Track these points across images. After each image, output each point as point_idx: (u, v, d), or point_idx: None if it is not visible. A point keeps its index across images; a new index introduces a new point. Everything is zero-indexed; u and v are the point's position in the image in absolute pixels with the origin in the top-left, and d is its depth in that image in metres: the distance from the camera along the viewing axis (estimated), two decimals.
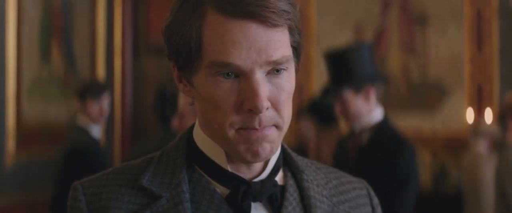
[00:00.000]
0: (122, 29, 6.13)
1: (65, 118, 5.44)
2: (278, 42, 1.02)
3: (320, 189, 1.16)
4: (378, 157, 2.74)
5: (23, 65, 4.94)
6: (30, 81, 5.05)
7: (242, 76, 1.01)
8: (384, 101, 5.62)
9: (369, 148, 2.81)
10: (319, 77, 5.36)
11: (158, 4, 6.31)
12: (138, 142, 5.53)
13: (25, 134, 4.95)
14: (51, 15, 5.35)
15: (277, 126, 1.05)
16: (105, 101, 4.05)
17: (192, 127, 1.16)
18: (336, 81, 2.89)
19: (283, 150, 1.17)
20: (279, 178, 1.14)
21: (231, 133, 1.03)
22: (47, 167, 4.92)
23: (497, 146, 4.77)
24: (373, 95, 2.85)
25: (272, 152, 1.05)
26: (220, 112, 1.03)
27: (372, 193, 1.25)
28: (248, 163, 1.08)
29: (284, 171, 1.16)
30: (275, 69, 1.02)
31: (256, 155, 1.04)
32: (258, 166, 1.11)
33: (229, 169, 1.09)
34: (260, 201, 1.10)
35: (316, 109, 4.07)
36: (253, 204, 1.09)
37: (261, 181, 1.10)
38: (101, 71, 5.94)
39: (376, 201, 1.24)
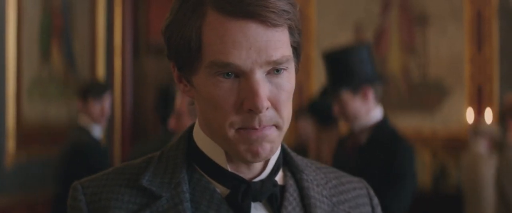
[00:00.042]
0: (122, 29, 6.13)
1: (65, 118, 5.44)
2: (278, 42, 1.02)
3: (320, 189, 1.16)
4: (376, 157, 2.74)
5: (23, 65, 4.94)
6: (30, 81, 5.05)
7: (242, 76, 1.01)
8: (384, 101, 5.62)
9: (368, 148, 2.81)
10: (319, 77, 5.36)
11: (158, 4, 6.31)
12: (138, 142, 5.53)
13: (25, 134, 4.95)
14: (51, 15, 5.35)
15: (277, 126, 1.05)
16: (106, 101, 4.05)
17: (192, 127, 1.17)
18: (333, 81, 2.88)
19: (283, 150, 1.17)
20: (279, 178, 1.14)
21: (231, 133, 1.03)
22: (47, 167, 4.92)
23: (497, 146, 4.77)
24: (371, 95, 2.84)
25: (272, 152, 1.05)
26: (220, 112, 1.03)
27: (372, 193, 1.25)
28: (248, 163, 1.09)
29: (284, 171, 1.16)
30: (275, 69, 1.02)
31: (256, 155, 1.04)
32: (258, 166, 1.11)
33: (229, 169, 1.09)
34: (260, 201, 1.10)
35: (316, 109, 4.07)
36: (253, 204, 1.09)
37: (261, 181, 1.10)
38: (101, 71, 5.94)
39: (376, 201, 1.24)
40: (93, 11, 5.86)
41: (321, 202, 1.14)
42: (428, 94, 5.58)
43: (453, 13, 5.47)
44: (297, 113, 4.60)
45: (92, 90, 4.04)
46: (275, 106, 1.03)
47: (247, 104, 1.00)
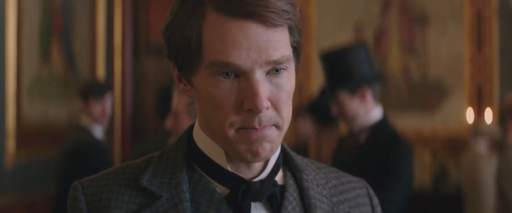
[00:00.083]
0: (122, 29, 6.13)
1: (65, 118, 5.45)
2: (278, 42, 1.02)
3: (320, 188, 1.16)
4: (375, 156, 2.73)
5: (23, 65, 4.94)
6: (30, 81, 5.05)
7: (242, 76, 1.01)
8: (384, 101, 5.61)
9: (366, 148, 2.81)
10: (319, 77, 5.35)
11: (158, 4, 6.31)
12: (138, 142, 5.53)
13: (25, 134, 4.95)
14: (51, 15, 5.35)
15: (277, 126, 1.05)
16: (107, 101, 4.05)
17: (192, 127, 1.17)
18: (331, 82, 2.88)
19: (283, 150, 1.17)
20: (279, 178, 1.14)
21: (231, 133, 1.03)
22: (47, 167, 4.92)
23: (497, 146, 4.78)
24: (369, 96, 2.83)
25: (272, 152, 1.05)
26: (220, 112, 1.03)
27: (372, 192, 1.25)
28: (248, 163, 1.09)
29: (284, 171, 1.16)
30: (275, 69, 1.03)
31: (256, 155, 1.04)
32: (258, 166, 1.11)
33: (229, 169, 1.09)
34: (260, 201, 1.10)
35: (316, 109, 4.07)
36: (253, 204, 1.09)
37: (261, 181, 1.10)
38: (101, 71, 5.94)
39: (376, 201, 1.24)
40: (93, 11, 5.86)
41: (321, 202, 1.14)
42: (428, 94, 5.58)
43: (453, 13, 5.48)
44: (296, 113, 4.60)
45: (93, 90, 4.04)
46: (275, 106, 1.03)
47: (247, 104, 1.00)
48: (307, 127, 4.49)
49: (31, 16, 5.07)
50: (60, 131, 5.27)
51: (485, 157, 4.72)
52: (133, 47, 6.30)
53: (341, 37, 5.68)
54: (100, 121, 4.01)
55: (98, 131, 4.03)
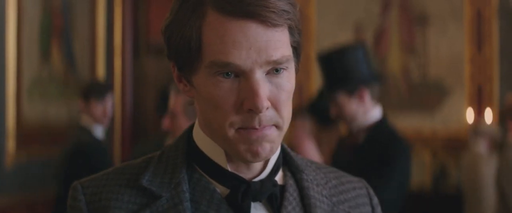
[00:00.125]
0: (122, 29, 6.13)
1: (65, 118, 5.45)
2: (278, 42, 1.02)
3: (320, 188, 1.16)
4: (373, 156, 2.72)
5: (23, 65, 4.94)
6: (30, 81, 5.05)
7: (242, 76, 1.01)
8: (384, 101, 5.61)
9: (365, 147, 2.80)
10: (319, 77, 5.36)
11: (158, 4, 6.31)
12: (139, 142, 5.53)
13: (25, 134, 4.95)
14: (51, 15, 5.35)
15: (277, 126, 1.05)
16: (108, 101, 4.06)
17: (192, 127, 1.16)
18: (329, 84, 2.87)
19: (282, 149, 1.17)
20: (279, 177, 1.14)
21: (231, 133, 1.03)
22: (47, 167, 4.92)
23: (497, 146, 4.78)
24: (367, 96, 2.82)
25: (272, 152, 1.05)
26: (220, 112, 1.03)
27: (372, 192, 1.25)
28: (248, 163, 1.09)
29: (283, 171, 1.16)
30: (274, 69, 1.02)
31: (256, 155, 1.04)
32: (257, 166, 1.11)
33: (229, 169, 1.09)
34: (260, 201, 1.10)
35: (316, 109, 4.07)
36: (252, 204, 1.09)
37: (261, 180, 1.10)
38: (101, 71, 5.94)
39: (375, 200, 1.24)
40: (93, 11, 5.86)
41: (321, 202, 1.14)
42: (428, 94, 5.58)
43: (453, 13, 5.48)
44: (295, 113, 4.58)
45: (94, 90, 4.04)
46: (275, 106, 1.03)
47: (247, 104, 1.00)
48: (305, 127, 4.49)
49: (31, 16, 5.07)
50: (60, 131, 5.27)
51: (485, 157, 4.72)
52: (133, 47, 6.30)
53: (341, 37, 5.68)
54: (101, 121, 4.02)
55: (99, 131, 4.03)
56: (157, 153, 1.16)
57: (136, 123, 6.33)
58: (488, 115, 5.13)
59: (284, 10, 1.02)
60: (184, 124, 2.47)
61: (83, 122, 4.02)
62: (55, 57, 5.40)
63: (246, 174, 1.10)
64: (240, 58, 1.00)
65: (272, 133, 1.04)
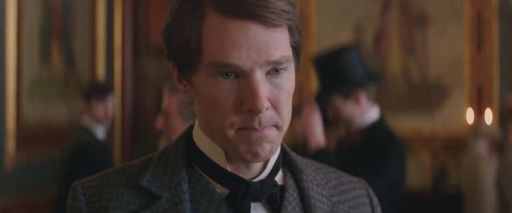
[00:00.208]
0: (122, 29, 6.13)
1: (65, 118, 5.45)
2: (278, 42, 1.01)
3: (320, 189, 1.16)
4: (367, 156, 2.71)
5: (23, 66, 4.94)
6: (30, 82, 5.05)
7: (242, 76, 1.01)
8: (384, 101, 5.60)
9: (361, 148, 2.79)
10: None
11: (158, 4, 6.31)
12: (139, 143, 5.54)
13: (25, 134, 4.95)
14: (51, 16, 5.35)
15: (277, 126, 1.05)
16: (109, 102, 4.06)
17: (191, 127, 1.16)
18: (325, 87, 2.86)
19: (282, 150, 1.17)
20: (278, 178, 1.14)
21: (231, 133, 1.03)
22: (47, 167, 4.92)
23: (497, 146, 4.78)
24: (363, 98, 2.81)
25: (271, 152, 1.05)
26: (220, 112, 1.03)
27: (372, 192, 1.25)
28: (248, 163, 1.09)
29: (283, 171, 1.16)
30: (274, 69, 1.02)
31: (256, 155, 1.04)
32: (257, 166, 1.11)
33: (229, 169, 1.09)
34: (260, 201, 1.10)
35: (322, 108, 4.07)
36: (252, 204, 1.09)
37: (261, 181, 1.10)
38: (101, 72, 5.95)
39: (375, 201, 1.24)
40: (93, 11, 5.86)
41: (321, 202, 1.14)
42: (428, 95, 5.58)
43: (453, 14, 5.48)
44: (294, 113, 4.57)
45: (96, 91, 4.05)
46: (275, 106, 1.03)
47: (247, 104, 1.00)
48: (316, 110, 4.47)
49: (31, 16, 5.07)
50: (60, 132, 5.27)
51: (485, 158, 4.72)
52: (133, 47, 6.30)
53: (341, 37, 5.68)
54: (102, 122, 4.02)
55: (100, 132, 4.03)
56: (157, 153, 1.16)
57: (136, 123, 6.33)
58: (488, 116, 5.13)
59: (284, 11, 1.02)
60: (178, 124, 2.46)
61: (85, 122, 4.02)
62: (55, 57, 5.40)
63: (246, 175, 1.10)
64: (240, 58, 1.00)
65: (272, 133, 1.04)
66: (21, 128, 4.91)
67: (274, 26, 1.01)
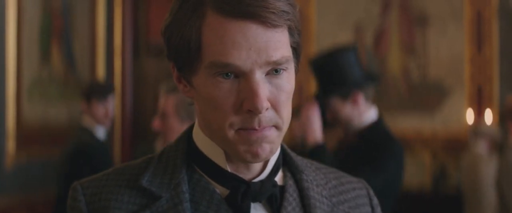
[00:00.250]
0: (122, 29, 6.14)
1: (65, 118, 5.45)
2: (277, 43, 1.01)
3: (320, 189, 1.16)
4: (364, 156, 2.71)
5: (23, 66, 4.94)
6: (30, 82, 5.05)
7: (241, 77, 1.01)
8: (384, 102, 5.61)
9: (358, 148, 2.79)
10: None
11: (158, 4, 6.31)
12: (140, 144, 5.54)
13: (25, 134, 4.95)
14: (51, 16, 5.35)
15: (276, 127, 1.04)
16: (110, 102, 4.06)
17: (191, 127, 1.16)
18: (322, 89, 2.86)
19: (282, 150, 1.17)
20: (278, 178, 1.14)
21: (231, 133, 1.03)
22: (47, 167, 4.92)
23: (497, 147, 4.78)
24: (361, 99, 2.81)
25: (271, 152, 1.05)
26: (220, 113, 1.03)
27: (372, 193, 1.25)
28: (248, 164, 1.09)
29: (283, 171, 1.16)
30: (274, 70, 1.02)
31: (255, 156, 1.04)
32: (257, 166, 1.11)
33: (229, 170, 1.09)
34: (260, 202, 1.10)
35: (321, 109, 4.07)
36: (252, 204, 1.09)
37: (261, 181, 1.10)
38: (101, 72, 5.95)
39: (375, 201, 1.24)
40: (93, 11, 5.86)
41: (321, 203, 1.14)
42: (428, 95, 5.58)
43: (453, 14, 5.48)
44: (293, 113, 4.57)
45: (96, 91, 4.04)
46: (275, 106, 1.03)
47: (247, 105, 1.00)
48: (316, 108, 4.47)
49: (31, 16, 5.07)
50: (60, 132, 5.27)
51: (485, 158, 4.72)
52: (133, 47, 6.30)
53: (341, 37, 5.68)
54: (102, 122, 4.02)
55: (100, 132, 4.03)
56: (157, 153, 1.16)
57: (136, 123, 6.33)
58: (488, 116, 5.13)
59: (283, 11, 1.01)
60: (175, 125, 2.45)
61: (85, 123, 4.02)
62: (55, 57, 5.40)
63: (245, 175, 1.10)
64: (240, 58, 0.99)
65: (272, 134, 1.04)
66: (21, 128, 4.91)
67: (274, 26, 1.01)
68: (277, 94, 1.03)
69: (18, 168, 4.87)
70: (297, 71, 1.09)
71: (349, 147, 2.87)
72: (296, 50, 1.07)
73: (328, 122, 3.04)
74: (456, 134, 5.41)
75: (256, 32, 1.00)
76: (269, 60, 1.01)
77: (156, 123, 2.54)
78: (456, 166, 5.35)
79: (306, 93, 5.72)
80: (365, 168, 2.59)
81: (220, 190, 1.09)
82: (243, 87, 1.01)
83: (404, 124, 5.49)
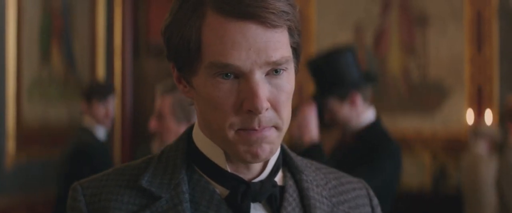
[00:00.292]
0: (122, 30, 6.13)
1: (65, 119, 5.45)
2: (277, 43, 1.01)
3: (320, 189, 1.16)
4: (360, 156, 2.71)
5: (23, 66, 4.94)
6: (30, 82, 5.05)
7: (241, 77, 1.01)
8: (384, 102, 5.60)
9: (355, 148, 2.79)
10: None
11: (158, 4, 6.31)
12: (140, 143, 5.54)
13: (25, 135, 4.95)
14: (51, 16, 5.35)
15: (276, 127, 1.04)
16: (110, 102, 4.06)
17: (191, 127, 1.16)
18: (320, 90, 2.86)
19: (282, 150, 1.17)
20: (278, 178, 1.14)
21: (231, 134, 1.03)
22: (47, 168, 4.92)
23: (497, 147, 4.78)
24: (359, 100, 2.81)
25: (271, 153, 1.05)
26: (220, 113, 1.03)
27: (372, 193, 1.25)
28: (248, 164, 1.08)
29: (283, 172, 1.16)
30: (274, 70, 1.02)
31: (255, 156, 1.04)
32: (257, 166, 1.11)
33: (229, 170, 1.09)
34: (260, 202, 1.10)
35: (318, 110, 4.07)
36: (252, 205, 1.09)
37: (261, 181, 1.10)
38: (101, 72, 5.95)
39: (375, 201, 1.24)
40: (93, 12, 5.86)
41: (321, 203, 1.14)
42: (428, 95, 5.58)
43: (453, 14, 5.48)
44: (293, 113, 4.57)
45: (96, 91, 4.05)
46: (275, 107, 1.03)
47: (247, 105, 1.00)
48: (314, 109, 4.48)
49: (31, 16, 5.07)
50: (60, 132, 5.27)
51: (485, 159, 4.72)
52: (133, 47, 6.30)
53: (341, 37, 5.68)
54: (103, 122, 4.02)
55: (100, 132, 4.03)
56: (157, 153, 1.16)
57: (136, 123, 6.33)
58: (488, 116, 5.13)
59: (283, 11, 1.01)
60: (172, 125, 2.44)
61: (85, 123, 4.02)
62: (55, 57, 5.40)
63: (245, 175, 1.10)
64: (240, 59, 0.99)
65: (272, 134, 1.04)
66: (21, 128, 4.91)
67: (274, 26, 1.01)
68: (277, 95, 1.03)
69: (18, 168, 4.87)
70: (297, 71, 1.09)
71: (347, 147, 2.87)
72: (296, 50, 1.07)
73: (326, 122, 3.04)
74: (456, 134, 5.41)
75: (256, 33, 1.00)
76: (269, 61, 1.01)
77: (152, 124, 2.53)
78: (456, 166, 5.35)
79: (306, 93, 5.72)
80: (363, 169, 2.58)
81: (220, 190, 1.09)
82: (243, 88, 1.01)
83: (404, 124, 5.49)
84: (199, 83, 1.05)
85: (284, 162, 1.17)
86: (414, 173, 5.43)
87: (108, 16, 6.01)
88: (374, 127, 2.84)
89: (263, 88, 1.01)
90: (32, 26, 5.09)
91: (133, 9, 6.29)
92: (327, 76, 2.82)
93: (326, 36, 5.79)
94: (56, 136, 5.22)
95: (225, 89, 1.01)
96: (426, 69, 5.60)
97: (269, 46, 1.00)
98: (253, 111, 1.00)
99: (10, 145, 4.79)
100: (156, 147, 2.69)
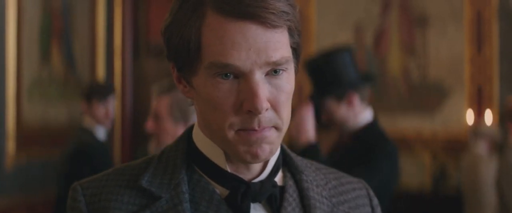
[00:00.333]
0: (122, 30, 6.14)
1: (65, 119, 5.45)
2: (277, 43, 1.01)
3: (320, 189, 1.16)
4: (357, 157, 2.71)
5: (23, 66, 4.94)
6: (30, 82, 5.05)
7: (241, 77, 1.01)
8: (384, 102, 5.60)
9: (352, 149, 2.79)
10: None
11: (158, 4, 6.31)
12: (140, 143, 5.54)
13: (25, 135, 4.95)
14: (51, 16, 5.35)
15: (276, 127, 1.04)
16: (111, 103, 4.06)
17: (191, 127, 1.16)
18: (318, 90, 2.86)
19: (282, 150, 1.17)
20: (278, 178, 1.14)
21: (231, 134, 1.03)
22: (47, 168, 4.92)
23: (497, 147, 4.78)
24: (356, 100, 2.80)
25: (271, 153, 1.05)
26: (220, 113, 1.03)
27: (372, 193, 1.25)
28: (248, 164, 1.08)
29: (283, 172, 1.16)
30: (274, 70, 1.02)
31: (255, 157, 1.04)
32: (257, 166, 1.11)
33: (229, 170, 1.09)
34: (260, 202, 1.10)
35: (316, 110, 4.07)
36: (252, 205, 1.09)
37: (261, 181, 1.10)
38: (101, 72, 5.95)
39: (375, 201, 1.24)
40: (93, 12, 5.87)
41: (321, 203, 1.14)
42: (428, 95, 5.58)
43: (453, 14, 5.48)
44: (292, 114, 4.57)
45: (97, 92, 4.05)
46: (275, 107, 1.03)
47: (247, 105, 1.00)
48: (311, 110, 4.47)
49: (31, 16, 5.07)
50: (60, 132, 5.27)
51: (485, 159, 4.72)
52: (133, 47, 6.30)
53: (341, 37, 5.68)
54: (103, 123, 4.02)
55: (100, 133, 4.04)
56: (157, 153, 1.16)
57: (136, 123, 6.33)
58: (488, 117, 5.13)
59: (283, 11, 1.01)
60: (169, 126, 2.43)
61: (85, 123, 4.02)
62: (55, 58, 5.40)
63: (245, 175, 1.10)
64: (240, 59, 0.99)
65: (272, 134, 1.04)
66: (21, 128, 4.91)
67: (274, 27, 1.01)
68: (277, 95, 1.03)
69: (18, 169, 4.87)
70: (297, 72, 1.09)
71: (344, 148, 2.87)
72: (296, 50, 1.07)
73: (323, 123, 3.04)
74: (456, 134, 5.41)
75: (255, 33, 1.00)
76: (269, 61, 1.01)
77: (149, 125, 2.52)
78: (456, 167, 5.35)
79: (306, 93, 5.72)
80: (360, 169, 2.58)
81: (220, 190, 1.09)
82: (243, 88, 1.01)
83: (404, 125, 5.49)
84: (199, 83, 1.05)
85: (284, 162, 1.17)
86: (414, 173, 5.43)
87: (108, 16, 6.01)
88: (371, 128, 2.84)
89: (263, 88, 1.01)
90: (32, 26, 5.09)
91: (133, 9, 6.29)
92: (324, 76, 2.82)
93: (326, 36, 5.79)
94: (56, 136, 5.22)
95: (225, 89, 1.01)
96: (426, 69, 5.60)
97: (269, 46, 1.00)
98: (253, 111, 1.00)
99: (10, 145, 4.79)
100: (153, 148, 2.68)
